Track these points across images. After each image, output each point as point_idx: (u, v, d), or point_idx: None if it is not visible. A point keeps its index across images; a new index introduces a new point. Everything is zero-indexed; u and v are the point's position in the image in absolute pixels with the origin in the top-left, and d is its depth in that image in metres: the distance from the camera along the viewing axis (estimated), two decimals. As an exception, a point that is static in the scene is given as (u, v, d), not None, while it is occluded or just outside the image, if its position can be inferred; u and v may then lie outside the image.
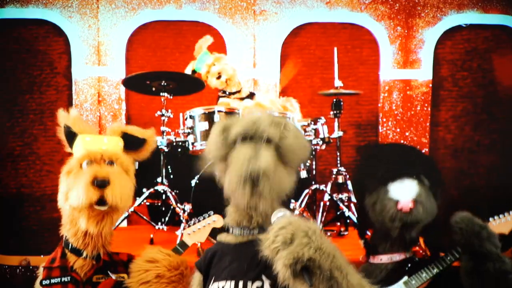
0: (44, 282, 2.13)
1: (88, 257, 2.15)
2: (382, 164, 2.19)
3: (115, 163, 2.16)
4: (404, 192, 2.09)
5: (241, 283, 1.62)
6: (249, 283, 1.61)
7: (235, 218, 1.75)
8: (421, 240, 2.29)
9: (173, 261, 2.12)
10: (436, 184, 2.17)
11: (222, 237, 1.81)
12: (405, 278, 2.11)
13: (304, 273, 1.34)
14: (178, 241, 2.48)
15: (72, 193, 2.06)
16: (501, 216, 2.29)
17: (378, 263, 2.19)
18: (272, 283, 1.56)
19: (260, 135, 1.67)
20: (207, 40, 4.24)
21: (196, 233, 2.45)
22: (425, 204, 2.09)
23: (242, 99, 4.15)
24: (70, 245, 2.17)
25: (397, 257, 2.16)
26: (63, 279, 2.12)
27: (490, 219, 2.28)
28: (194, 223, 2.48)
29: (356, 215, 2.43)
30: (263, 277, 1.59)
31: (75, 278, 2.13)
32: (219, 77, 4.15)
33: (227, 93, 4.21)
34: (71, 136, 2.24)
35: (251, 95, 4.27)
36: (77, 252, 2.15)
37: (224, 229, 1.83)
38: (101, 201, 2.05)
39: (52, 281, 2.12)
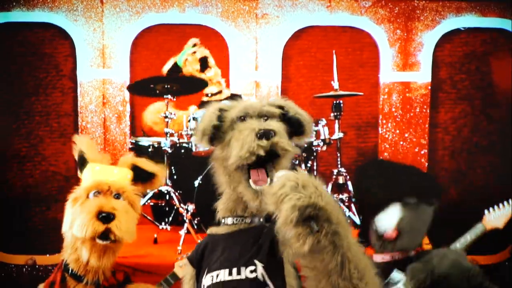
0: None
1: (89, 283, 2.13)
2: (375, 193, 2.16)
3: (122, 196, 2.13)
4: (387, 223, 2.07)
5: (234, 270, 1.57)
6: (243, 269, 1.56)
7: (228, 207, 1.69)
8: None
9: None
10: (430, 201, 2.15)
11: (213, 230, 1.76)
12: (404, 279, 2.09)
13: (311, 220, 1.23)
14: (169, 274, 2.48)
15: (76, 223, 2.04)
16: (495, 208, 2.30)
17: (379, 263, 2.16)
18: (265, 266, 1.53)
19: (259, 113, 1.63)
20: (192, 40, 4.35)
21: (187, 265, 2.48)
22: (409, 232, 2.07)
23: (221, 100, 4.16)
24: (70, 269, 2.15)
25: (400, 255, 2.14)
26: None
27: (486, 211, 2.29)
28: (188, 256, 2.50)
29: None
30: (256, 261, 1.55)
31: None
32: (199, 61, 4.22)
33: (209, 95, 4.27)
34: (82, 161, 2.23)
35: (235, 98, 4.30)
36: (77, 277, 2.14)
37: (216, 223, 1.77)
38: (105, 235, 2.02)
39: None
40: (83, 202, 2.09)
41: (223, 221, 1.72)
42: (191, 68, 4.26)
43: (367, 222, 2.19)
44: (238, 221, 1.67)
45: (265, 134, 1.51)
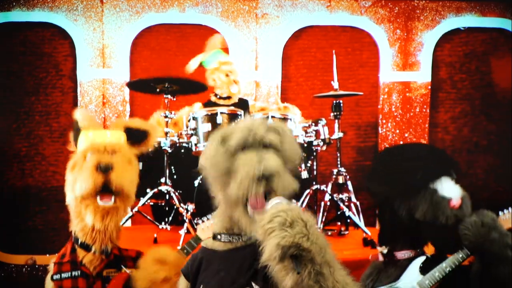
0: (55, 277, 2.16)
1: (97, 252, 2.17)
2: (416, 166, 2.16)
3: (118, 154, 2.18)
4: (453, 191, 2.11)
5: None
6: None
7: (224, 225, 1.69)
8: None
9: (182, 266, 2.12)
10: (460, 178, 2.20)
11: (209, 244, 1.76)
12: (420, 278, 2.11)
13: (294, 260, 1.30)
14: (192, 238, 2.47)
15: (78, 183, 2.09)
16: (505, 211, 2.29)
17: (392, 260, 2.21)
18: None
19: (259, 141, 1.63)
20: (220, 38, 4.32)
21: (210, 228, 2.43)
22: (467, 198, 2.12)
23: (228, 105, 4.10)
24: (78, 240, 2.19)
25: (410, 253, 2.18)
26: (73, 273, 2.15)
27: (500, 213, 2.29)
28: (207, 219, 2.49)
29: (380, 223, 2.41)
30: (253, 284, 1.56)
31: (85, 273, 2.15)
32: (227, 76, 4.20)
33: (218, 96, 4.25)
34: (77, 132, 2.28)
35: (242, 102, 4.28)
36: (86, 247, 2.17)
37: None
38: (106, 188, 2.08)
39: (63, 275, 2.15)
40: (81, 164, 2.14)
41: (218, 237, 1.72)
42: (217, 77, 4.22)
43: (401, 208, 2.18)
44: (235, 239, 1.68)
45: (264, 177, 1.53)
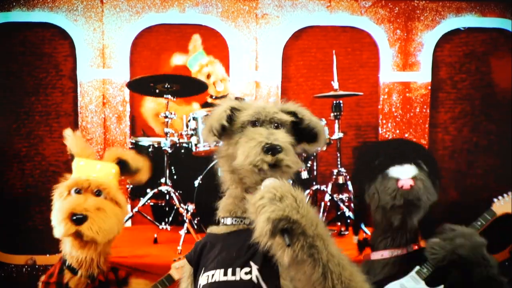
0: None
1: (83, 276, 2.20)
2: (379, 154, 2.18)
3: (103, 192, 2.19)
4: (403, 171, 2.07)
5: (230, 270, 1.58)
6: (238, 270, 1.57)
7: (229, 208, 1.70)
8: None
9: None
10: (433, 173, 2.16)
11: (213, 229, 1.76)
12: (417, 267, 2.10)
13: (284, 233, 1.28)
14: (165, 276, 2.46)
15: (54, 221, 2.14)
16: (504, 195, 2.31)
17: (380, 259, 2.19)
18: (260, 268, 1.54)
19: (270, 119, 1.64)
20: (199, 39, 4.35)
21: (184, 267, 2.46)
22: (425, 182, 2.07)
23: None
24: (66, 262, 2.22)
25: (399, 251, 2.16)
26: None
27: (494, 199, 2.29)
28: (180, 259, 2.48)
29: (354, 211, 2.44)
30: (251, 263, 1.56)
31: None
32: (208, 77, 4.24)
33: (214, 97, 4.28)
34: (72, 156, 2.32)
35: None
36: (72, 270, 2.20)
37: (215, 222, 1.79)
38: (79, 234, 2.11)
39: None
40: (64, 199, 2.17)
41: (222, 221, 1.72)
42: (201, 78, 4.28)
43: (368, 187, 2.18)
44: (237, 222, 1.68)
45: (272, 149, 1.51)
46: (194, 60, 4.39)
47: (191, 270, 1.77)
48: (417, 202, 2.06)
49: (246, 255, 1.58)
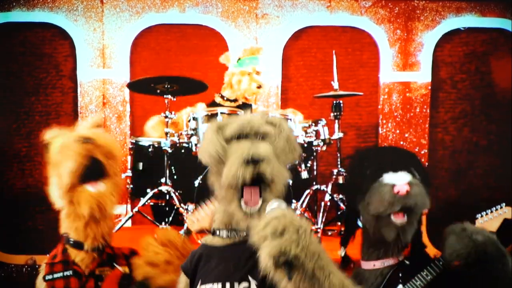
0: (47, 277, 2.13)
1: (89, 250, 2.13)
2: (372, 163, 2.12)
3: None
4: (398, 178, 2.01)
5: (228, 285, 1.60)
6: (236, 284, 1.59)
7: (224, 220, 1.72)
8: None
9: (187, 250, 2.04)
10: (425, 181, 2.10)
11: (208, 240, 1.78)
12: (412, 281, 2.04)
13: (285, 267, 1.34)
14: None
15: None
16: (488, 212, 2.22)
17: (371, 269, 2.14)
18: (259, 284, 1.56)
19: (255, 132, 1.66)
20: (261, 48, 4.28)
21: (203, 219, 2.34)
22: (421, 188, 2.01)
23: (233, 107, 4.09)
24: (70, 240, 2.16)
25: (391, 261, 2.10)
26: (65, 273, 2.12)
27: (478, 215, 2.24)
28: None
29: (345, 222, 2.39)
30: (250, 278, 1.58)
31: (77, 272, 2.12)
32: (259, 87, 4.16)
33: (225, 98, 4.22)
34: None
35: (245, 106, 4.23)
36: (78, 245, 2.14)
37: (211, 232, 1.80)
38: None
39: (55, 275, 2.12)
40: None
41: (217, 232, 1.74)
42: (245, 82, 4.13)
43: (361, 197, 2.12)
44: (232, 235, 1.70)
45: (253, 161, 1.55)
46: (250, 61, 4.21)
47: (187, 281, 1.78)
48: (415, 207, 2.01)
49: (244, 269, 1.60)
